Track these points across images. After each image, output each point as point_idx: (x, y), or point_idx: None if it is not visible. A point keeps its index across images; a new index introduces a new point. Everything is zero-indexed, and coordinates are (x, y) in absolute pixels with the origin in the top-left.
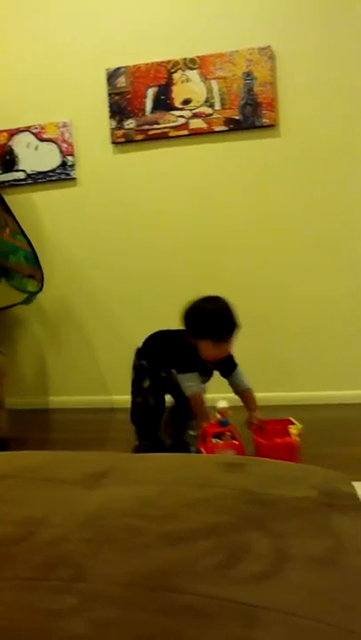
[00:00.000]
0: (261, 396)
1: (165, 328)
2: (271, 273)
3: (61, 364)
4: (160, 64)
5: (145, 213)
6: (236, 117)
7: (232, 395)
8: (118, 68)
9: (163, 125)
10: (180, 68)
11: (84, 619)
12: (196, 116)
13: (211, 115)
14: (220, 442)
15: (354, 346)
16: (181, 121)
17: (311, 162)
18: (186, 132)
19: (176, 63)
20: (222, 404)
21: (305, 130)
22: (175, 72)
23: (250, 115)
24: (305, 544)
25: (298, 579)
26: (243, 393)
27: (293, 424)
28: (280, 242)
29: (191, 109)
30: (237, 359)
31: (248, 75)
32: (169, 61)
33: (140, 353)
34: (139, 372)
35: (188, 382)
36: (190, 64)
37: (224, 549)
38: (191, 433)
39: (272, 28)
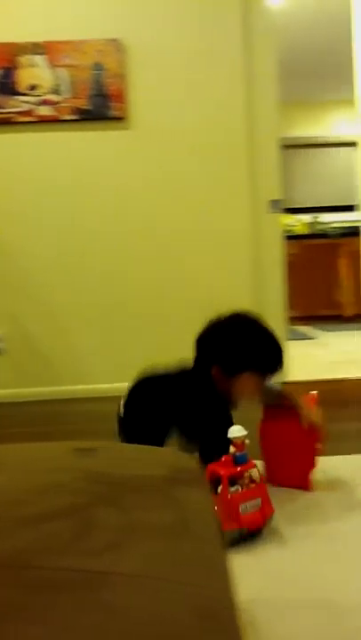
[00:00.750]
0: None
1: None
2: (124, 261)
3: None
4: (4, 45)
5: None
6: (86, 107)
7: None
8: None
9: (7, 110)
10: (26, 53)
11: None
12: (43, 103)
13: (59, 103)
14: (239, 489)
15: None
16: (26, 107)
17: (159, 154)
18: (32, 119)
19: (22, 47)
20: (237, 432)
21: (154, 122)
22: (21, 56)
23: (100, 106)
24: (152, 516)
25: (145, 547)
26: (279, 395)
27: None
28: (130, 231)
29: (38, 96)
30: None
31: (98, 65)
32: (14, 44)
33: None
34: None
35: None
36: (37, 49)
37: (76, 526)
38: None
39: (122, 20)
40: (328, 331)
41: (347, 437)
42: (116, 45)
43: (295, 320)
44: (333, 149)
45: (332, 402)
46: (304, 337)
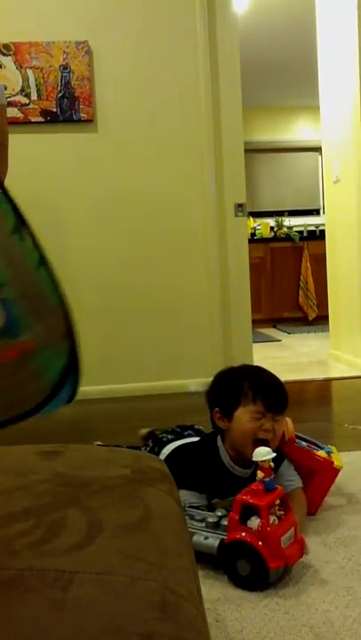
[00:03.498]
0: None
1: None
2: (88, 264)
3: None
4: None
5: None
6: (54, 110)
7: None
8: None
9: None
10: None
11: None
12: (11, 104)
13: (27, 104)
14: (276, 520)
15: (168, 341)
16: None
17: (126, 157)
18: None
19: None
20: (265, 455)
21: (121, 126)
22: None
23: (67, 108)
24: (117, 515)
25: (111, 545)
26: (292, 494)
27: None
28: (96, 234)
29: (6, 97)
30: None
31: (65, 67)
32: None
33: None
34: None
35: None
36: (4, 50)
37: (41, 528)
38: (195, 516)
39: (90, 23)
40: (293, 333)
41: (311, 437)
42: (83, 48)
43: (260, 323)
44: (297, 154)
45: (296, 403)
46: (269, 339)
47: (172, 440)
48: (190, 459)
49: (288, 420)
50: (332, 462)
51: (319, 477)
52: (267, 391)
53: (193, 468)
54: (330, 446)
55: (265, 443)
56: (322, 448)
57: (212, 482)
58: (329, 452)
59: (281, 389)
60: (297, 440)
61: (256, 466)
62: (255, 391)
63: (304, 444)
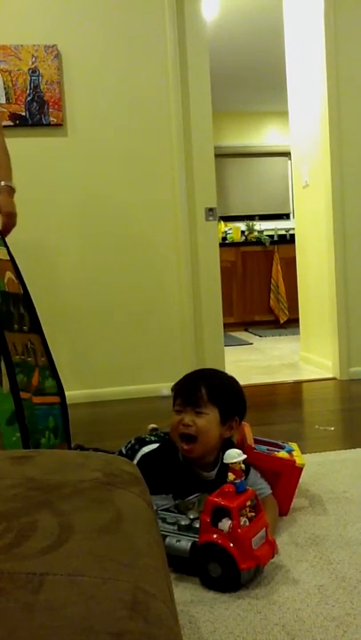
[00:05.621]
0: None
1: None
2: (67, 269)
3: None
4: None
5: None
6: (22, 113)
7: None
8: None
9: None
10: None
11: None
12: None
13: None
14: (247, 522)
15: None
16: None
17: (96, 162)
18: None
19: None
20: (236, 457)
21: (90, 130)
22: None
23: (36, 112)
24: (89, 518)
25: (82, 547)
26: (263, 501)
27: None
28: (66, 240)
29: None
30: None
31: (34, 71)
32: None
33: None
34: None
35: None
36: None
37: (12, 532)
38: (167, 519)
39: (59, 27)
40: (264, 336)
41: (283, 439)
42: (52, 52)
43: (232, 326)
44: (267, 159)
45: (268, 405)
46: (241, 343)
47: (155, 442)
48: (153, 461)
49: (247, 426)
50: (294, 462)
51: (284, 478)
52: (183, 387)
53: (156, 470)
54: (290, 444)
55: (190, 437)
56: (283, 447)
57: (173, 482)
58: (290, 451)
59: (195, 385)
60: (256, 446)
61: (219, 468)
62: (176, 388)
63: (264, 447)
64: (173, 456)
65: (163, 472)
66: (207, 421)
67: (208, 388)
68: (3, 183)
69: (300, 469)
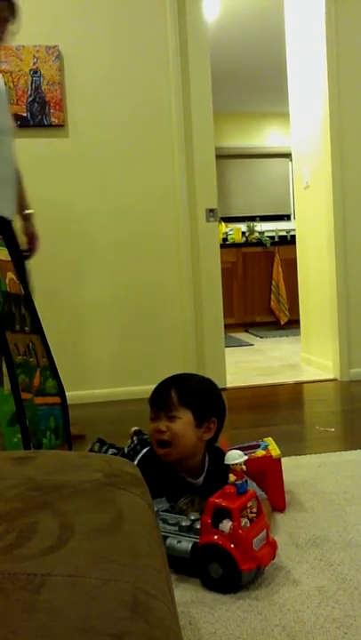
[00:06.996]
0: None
1: None
2: (67, 270)
3: None
4: None
5: None
6: (24, 114)
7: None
8: None
9: None
10: None
11: None
12: None
13: None
14: (248, 523)
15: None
16: None
17: (98, 163)
18: None
19: None
20: (237, 458)
21: (92, 131)
22: None
23: (38, 113)
24: (90, 518)
25: (83, 548)
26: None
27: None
28: (68, 240)
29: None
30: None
31: (35, 72)
32: None
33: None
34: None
35: None
36: None
37: (13, 532)
38: (168, 520)
39: (60, 28)
40: (265, 337)
41: (283, 440)
42: (54, 52)
43: (232, 327)
44: (268, 160)
45: (268, 406)
46: (241, 344)
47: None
48: (144, 464)
49: (223, 439)
50: (270, 456)
51: (269, 474)
52: (154, 394)
53: (147, 473)
54: (264, 440)
55: (165, 443)
56: (259, 446)
57: (163, 486)
58: (266, 446)
59: (165, 390)
60: None
61: (207, 475)
62: (149, 397)
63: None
64: (160, 460)
65: (153, 475)
66: (181, 425)
67: (178, 391)
68: (26, 211)
69: (277, 461)
